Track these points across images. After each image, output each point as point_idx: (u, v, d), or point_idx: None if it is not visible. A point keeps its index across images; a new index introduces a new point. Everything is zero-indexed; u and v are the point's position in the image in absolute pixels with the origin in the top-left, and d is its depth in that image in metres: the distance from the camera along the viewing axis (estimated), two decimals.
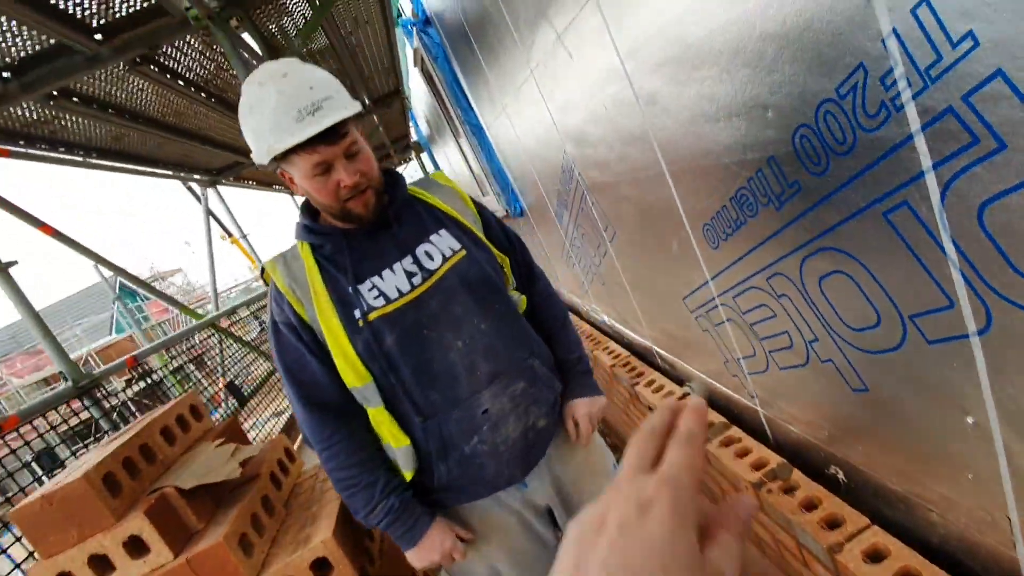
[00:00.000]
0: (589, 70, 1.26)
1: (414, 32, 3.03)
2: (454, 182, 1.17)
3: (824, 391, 0.93)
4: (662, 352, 1.77)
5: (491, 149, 2.91)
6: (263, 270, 1.05)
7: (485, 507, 1.07)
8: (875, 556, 0.81)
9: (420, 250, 1.02)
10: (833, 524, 0.90)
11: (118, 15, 1.95)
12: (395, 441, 1.00)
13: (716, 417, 1.33)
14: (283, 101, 0.87)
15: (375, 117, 5.79)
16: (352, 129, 0.95)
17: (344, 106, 0.92)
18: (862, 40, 0.55)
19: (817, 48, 0.61)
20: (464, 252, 1.03)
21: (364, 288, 0.98)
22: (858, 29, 0.55)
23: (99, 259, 3.16)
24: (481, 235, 1.09)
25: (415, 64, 3.93)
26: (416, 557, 1.00)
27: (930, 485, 0.79)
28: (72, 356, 2.62)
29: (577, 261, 2.37)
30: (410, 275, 0.99)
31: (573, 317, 2.72)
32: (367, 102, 5.11)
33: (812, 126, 0.66)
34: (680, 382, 1.66)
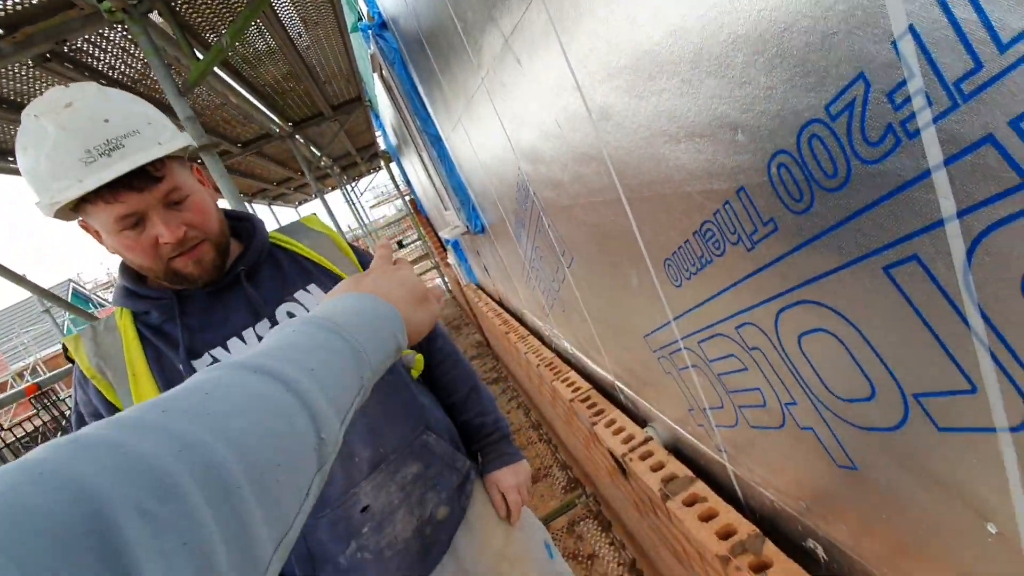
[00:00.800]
0: (540, 78, 1.12)
1: (371, 36, 2.86)
2: (329, 228, 0.99)
3: (804, 460, 0.79)
4: (624, 388, 1.63)
5: (450, 161, 2.76)
6: (65, 348, 0.84)
7: None
8: None
9: (281, 311, 0.84)
10: None
11: (20, 6, 1.72)
12: None
13: (681, 470, 1.19)
14: (65, 139, 0.68)
15: (337, 124, 5.58)
16: (175, 170, 0.76)
17: (156, 142, 0.73)
18: (864, 42, 0.41)
19: (802, 54, 0.47)
20: None
21: (201, 364, 0.79)
22: (858, 27, 0.41)
23: (16, 278, 2.86)
24: None
25: (374, 70, 3.75)
26: None
27: None
28: (20, 364, 2.33)
29: (537, 283, 2.22)
30: None
31: (535, 342, 2.57)
32: (329, 109, 4.91)
33: (793, 153, 0.52)
34: (642, 423, 1.52)
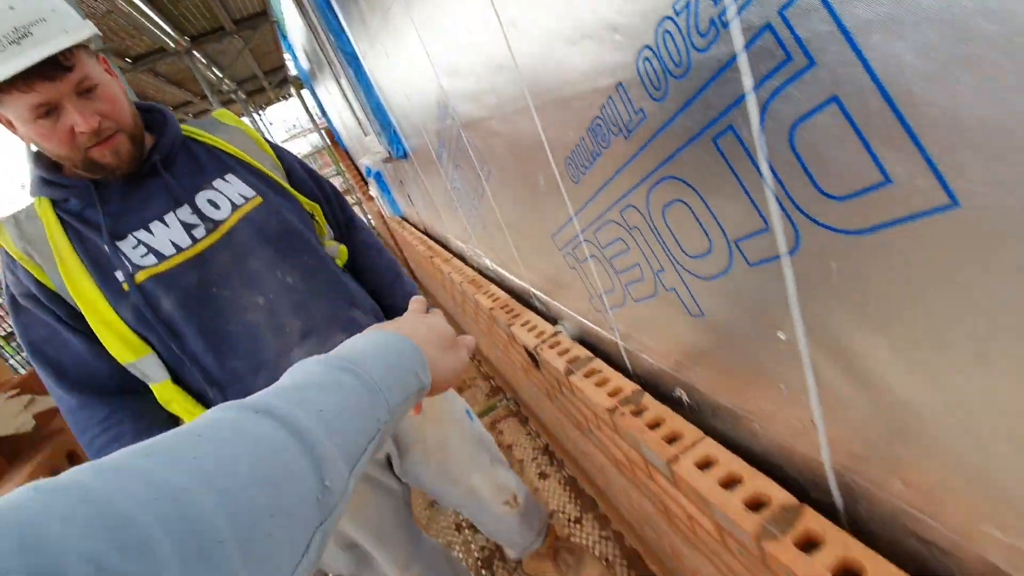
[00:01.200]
0: None
1: None
2: (243, 122, 1.03)
3: (670, 320, 0.98)
4: (538, 293, 1.80)
5: (368, 82, 2.70)
6: None
7: None
8: (705, 464, 0.89)
9: (201, 198, 0.88)
10: (673, 439, 0.97)
11: None
12: (190, 417, 0.89)
13: (583, 352, 1.38)
14: None
15: (241, 40, 5.14)
16: (84, 60, 0.77)
17: (65, 30, 0.74)
18: None
19: None
20: (260, 200, 0.91)
21: (126, 245, 0.83)
22: None
23: None
24: (282, 181, 0.97)
25: None
26: None
27: (752, 399, 0.87)
28: None
29: (460, 205, 2.31)
30: (189, 227, 0.86)
31: (458, 263, 2.69)
32: (231, 23, 4.51)
33: (653, 47, 0.65)
34: (553, 322, 1.70)
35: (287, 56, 7.48)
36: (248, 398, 0.38)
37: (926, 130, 0.42)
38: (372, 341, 0.49)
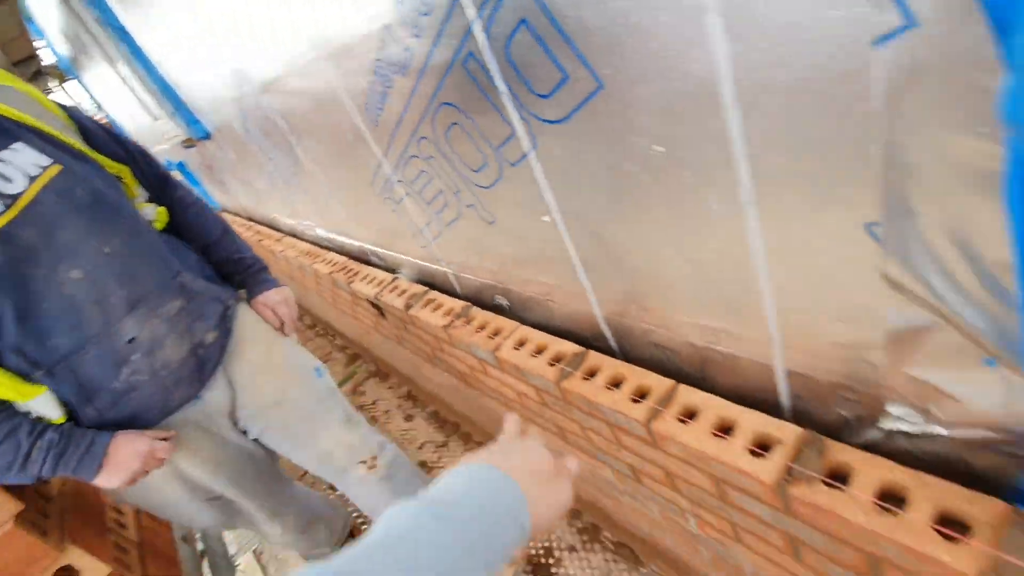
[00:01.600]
0: None
1: None
2: (19, 80, 0.95)
3: (476, 234, 1.15)
4: (375, 249, 1.88)
5: (146, 60, 2.46)
6: None
7: (159, 425, 1.03)
8: (521, 344, 1.09)
9: None
10: (496, 334, 1.16)
11: None
12: (22, 396, 0.87)
13: (420, 289, 1.52)
14: None
15: None
16: None
17: None
18: None
19: None
20: (59, 167, 0.87)
21: None
22: None
23: None
24: (80, 145, 0.94)
25: None
26: (108, 477, 0.92)
27: (545, 282, 1.08)
28: None
29: (280, 178, 2.26)
30: None
31: (291, 240, 2.63)
32: None
33: None
34: (393, 271, 1.81)
35: (39, 43, 6.25)
36: (336, 560, 0.36)
37: (577, 37, 0.61)
38: (470, 484, 0.45)
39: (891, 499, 0.58)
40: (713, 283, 0.71)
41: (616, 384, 0.90)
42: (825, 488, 0.62)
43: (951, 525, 0.54)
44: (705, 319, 0.78)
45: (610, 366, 0.94)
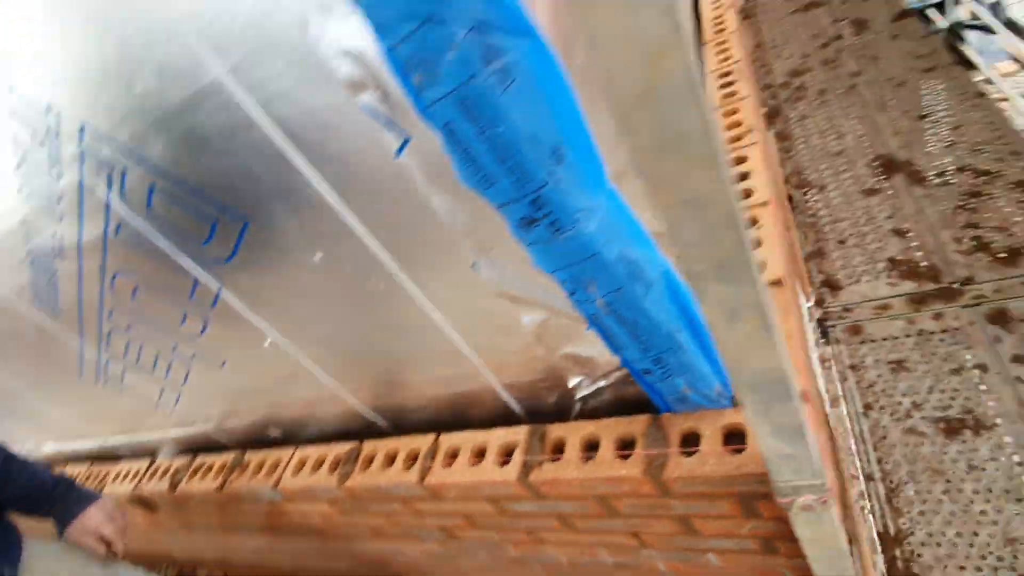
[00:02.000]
0: None
1: None
2: None
3: (214, 382, 1.12)
4: (119, 439, 1.65)
5: None
6: None
7: None
8: (301, 465, 1.08)
9: None
10: (275, 467, 1.12)
11: None
12: None
13: (181, 461, 1.38)
14: None
15: None
16: None
17: None
18: None
19: None
20: None
21: None
22: None
23: None
24: None
25: None
26: None
27: (300, 396, 1.09)
28: None
29: None
30: None
31: None
32: None
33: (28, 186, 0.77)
34: (152, 454, 1.60)
35: None
36: None
37: (207, 186, 0.69)
38: None
39: (593, 448, 0.75)
40: (423, 344, 0.83)
41: (392, 460, 0.96)
42: (551, 463, 0.76)
43: (627, 447, 0.72)
44: (438, 371, 0.90)
45: (383, 446, 0.99)
